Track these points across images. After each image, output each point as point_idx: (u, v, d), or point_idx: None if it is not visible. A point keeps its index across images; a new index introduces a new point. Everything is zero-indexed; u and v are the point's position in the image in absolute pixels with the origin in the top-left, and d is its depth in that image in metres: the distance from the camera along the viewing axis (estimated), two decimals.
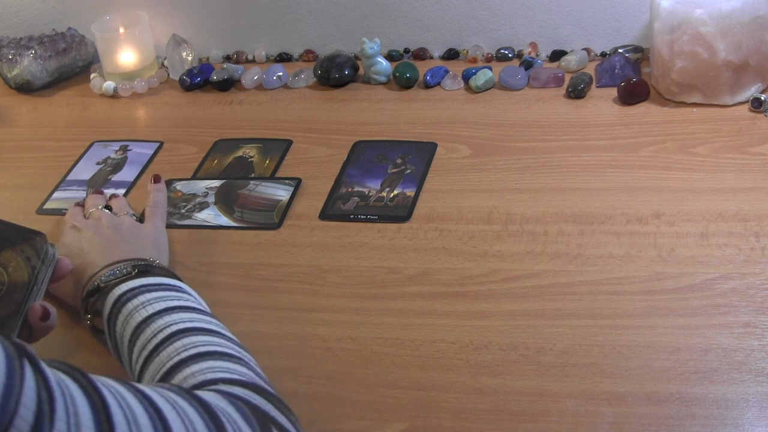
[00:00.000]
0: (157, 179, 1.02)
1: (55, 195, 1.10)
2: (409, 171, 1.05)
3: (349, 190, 1.03)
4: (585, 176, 1.01)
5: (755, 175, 0.98)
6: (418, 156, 1.08)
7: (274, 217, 1.00)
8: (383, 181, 1.04)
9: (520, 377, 0.75)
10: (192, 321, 0.72)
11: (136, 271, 0.80)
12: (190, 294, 0.78)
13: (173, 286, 0.78)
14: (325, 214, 1.00)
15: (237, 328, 0.85)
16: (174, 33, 1.35)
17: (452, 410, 0.73)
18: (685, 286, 0.83)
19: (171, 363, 0.68)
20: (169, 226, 1.01)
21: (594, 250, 0.89)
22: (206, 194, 1.06)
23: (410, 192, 1.02)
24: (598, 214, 0.94)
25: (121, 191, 1.09)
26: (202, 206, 1.04)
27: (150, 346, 0.71)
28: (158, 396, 0.56)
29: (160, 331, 0.71)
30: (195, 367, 0.66)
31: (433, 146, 1.10)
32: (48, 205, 1.08)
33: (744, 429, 0.69)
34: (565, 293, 0.84)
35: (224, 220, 1.01)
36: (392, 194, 1.02)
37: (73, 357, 0.84)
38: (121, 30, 1.33)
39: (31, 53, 1.33)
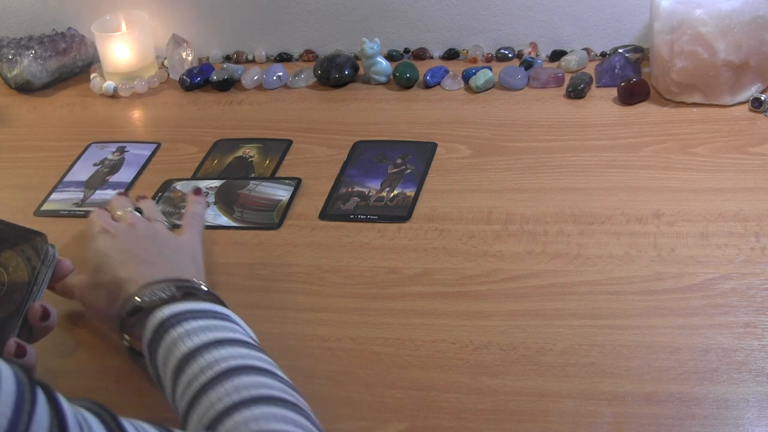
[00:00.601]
0: (197, 191, 0.97)
1: (53, 196, 1.10)
2: (409, 171, 1.05)
3: (349, 190, 1.03)
4: (585, 176, 1.01)
5: (755, 175, 0.98)
6: (418, 156, 1.08)
7: (274, 217, 1.00)
8: (383, 181, 1.04)
9: (520, 377, 0.75)
10: (243, 358, 0.67)
11: (181, 293, 0.74)
12: (237, 324, 0.72)
13: (220, 314, 0.72)
14: (325, 214, 1.00)
15: None
16: (174, 33, 1.35)
17: (452, 410, 0.73)
18: (685, 286, 0.83)
19: (221, 406, 0.62)
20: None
21: (594, 250, 0.89)
22: (206, 194, 1.06)
23: (410, 192, 1.02)
24: (598, 214, 0.94)
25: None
26: None
27: (197, 384, 0.65)
28: None
29: (209, 367, 0.66)
30: (247, 414, 0.61)
31: (433, 146, 1.10)
32: (46, 207, 1.08)
33: (744, 429, 0.69)
34: (565, 293, 0.84)
35: (224, 220, 1.01)
36: (392, 194, 1.02)
37: (72, 357, 0.84)
38: (121, 30, 1.33)
39: (31, 53, 1.33)
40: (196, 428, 0.63)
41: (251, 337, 0.72)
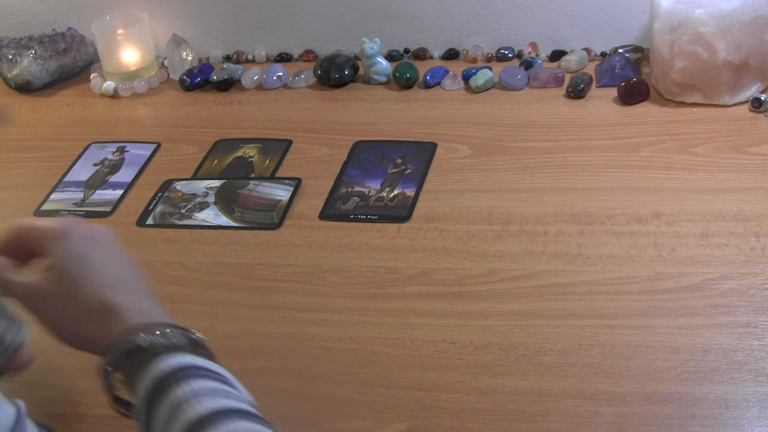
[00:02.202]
0: None
1: (53, 197, 1.10)
2: (409, 171, 1.05)
3: (349, 190, 1.03)
4: (585, 176, 1.01)
5: (755, 175, 0.98)
6: (418, 156, 1.08)
7: (274, 217, 1.00)
8: (383, 181, 1.04)
9: (520, 377, 0.75)
10: None
11: (189, 343, 0.64)
12: (237, 388, 0.63)
13: (223, 377, 0.63)
14: (325, 214, 1.00)
15: (237, 327, 0.85)
16: (174, 33, 1.35)
17: (452, 410, 0.73)
18: (685, 286, 0.83)
19: None
20: (169, 226, 1.01)
21: (594, 250, 0.89)
22: (206, 194, 1.06)
23: (410, 192, 1.02)
24: (598, 214, 0.94)
25: (120, 192, 1.09)
26: (202, 206, 1.04)
27: None
28: None
29: None
30: None
31: (433, 146, 1.10)
32: (46, 207, 1.08)
33: (744, 429, 0.69)
34: (565, 293, 0.84)
35: (224, 220, 1.01)
36: (392, 194, 1.02)
37: (72, 356, 0.84)
38: (121, 30, 1.33)
39: (31, 53, 1.33)
40: None
41: (252, 405, 0.62)
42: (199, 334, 0.65)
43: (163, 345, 0.62)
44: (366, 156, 1.09)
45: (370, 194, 1.02)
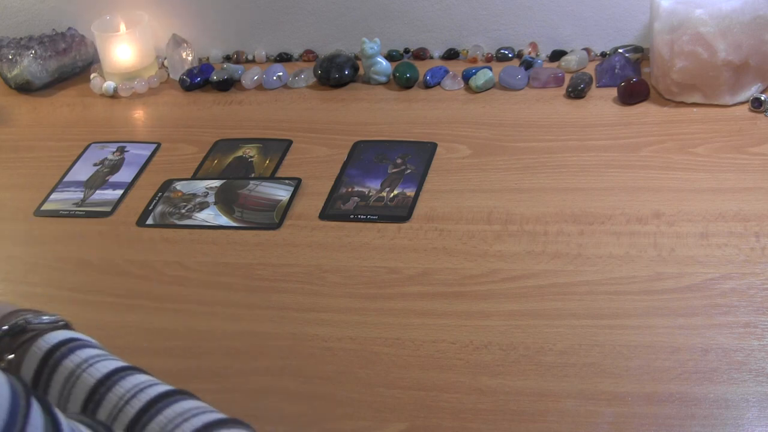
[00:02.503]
0: None
1: (53, 196, 1.10)
2: (409, 171, 1.05)
3: (349, 190, 1.03)
4: (585, 176, 1.01)
5: (755, 175, 0.98)
6: (418, 156, 1.08)
7: (274, 217, 1.00)
8: (383, 181, 1.04)
9: (520, 377, 0.75)
10: (157, 385, 0.61)
11: (62, 323, 0.66)
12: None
13: (95, 343, 0.65)
14: (325, 214, 1.00)
15: (237, 328, 0.85)
16: (174, 33, 1.35)
17: (452, 410, 0.73)
18: (685, 286, 0.83)
19: None
20: (169, 226, 1.01)
21: (594, 250, 0.89)
22: (206, 194, 1.06)
23: (410, 192, 1.02)
24: (598, 214, 0.94)
25: (120, 192, 1.09)
26: (202, 206, 1.04)
27: (126, 415, 0.59)
28: None
29: (135, 396, 0.59)
30: None
31: (433, 146, 1.10)
32: (46, 207, 1.08)
33: (744, 429, 0.69)
34: (565, 293, 0.84)
35: (224, 220, 1.01)
36: (392, 194, 1.02)
37: None
38: (121, 30, 1.33)
39: (31, 53, 1.33)
40: None
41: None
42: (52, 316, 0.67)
43: (42, 325, 0.65)
44: (366, 156, 1.09)
45: (370, 194, 1.02)
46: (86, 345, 0.64)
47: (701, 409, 0.70)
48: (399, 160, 1.08)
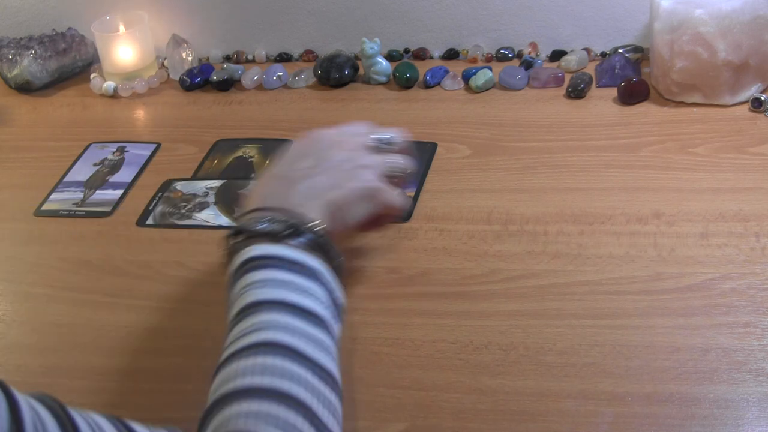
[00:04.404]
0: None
1: (53, 196, 1.10)
2: (409, 171, 1.05)
3: None
4: (585, 176, 1.01)
5: (755, 175, 0.98)
6: (418, 156, 1.08)
7: None
8: None
9: (520, 377, 0.75)
10: (291, 333, 0.63)
11: (287, 232, 0.71)
12: (324, 285, 0.69)
13: (312, 270, 0.69)
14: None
15: None
16: (174, 33, 1.35)
17: (452, 410, 0.73)
18: (685, 286, 0.83)
19: (226, 389, 0.59)
20: (169, 226, 1.01)
21: (594, 250, 0.89)
22: (206, 194, 1.06)
23: (410, 192, 1.01)
24: (598, 214, 0.94)
25: (120, 192, 1.09)
26: (202, 206, 1.04)
27: (233, 348, 0.62)
28: (144, 429, 0.54)
29: (251, 332, 0.62)
30: (240, 408, 0.57)
31: (433, 146, 1.10)
32: (45, 207, 1.08)
33: (744, 429, 0.69)
34: (565, 293, 0.84)
35: (224, 220, 1.01)
36: None
37: (71, 355, 0.84)
38: (121, 30, 1.33)
39: (31, 53, 1.33)
40: (212, 394, 0.61)
41: (327, 307, 0.68)
42: (310, 220, 0.72)
43: (256, 232, 0.71)
44: None
45: None
46: (278, 267, 0.68)
47: (701, 409, 0.70)
48: None
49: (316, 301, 0.67)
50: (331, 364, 0.64)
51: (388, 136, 0.87)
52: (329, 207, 0.76)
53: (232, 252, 0.72)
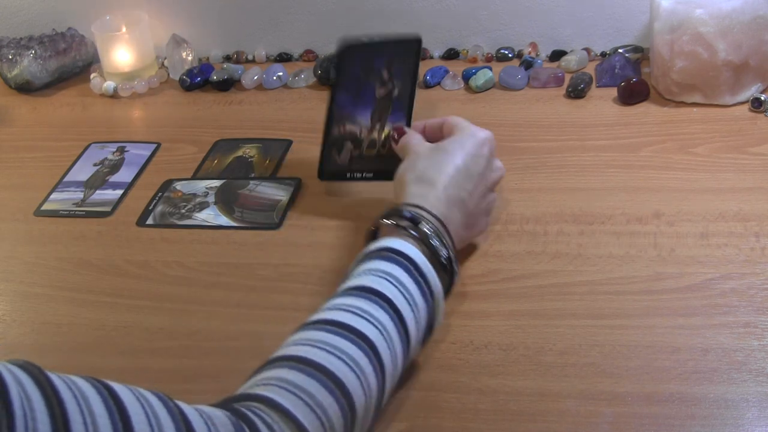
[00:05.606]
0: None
1: (53, 196, 1.10)
2: (396, 92, 1.00)
3: (341, 128, 1.00)
4: (585, 176, 1.01)
5: (755, 175, 0.98)
6: (403, 62, 1.00)
7: (274, 217, 1.00)
8: (372, 111, 1.00)
9: (520, 377, 0.75)
10: (361, 316, 0.69)
11: (438, 249, 0.77)
12: (430, 311, 0.74)
13: (432, 292, 0.74)
14: (325, 172, 1.00)
15: (237, 328, 0.85)
16: (174, 33, 1.35)
17: (452, 410, 0.73)
18: (685, 286, 0.83)
19: (275, 354, 0.67)
20: (169, 226, 1.01)
21: (594, 250, 0.89)
22: (206, 194, 1.06)
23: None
24: (598, 214, 0.94)
25: (120, 192, 1.09)
26: (202, 206, 1.04)
27: (310, 318, 0.70)
28: (125, 389, 0.56)
29: (327, 308, 0.70)
30: (275, 373, 0.64)
31: (418, 42, 1.01)
32: (45, 207, 1.08)
33: (744, 429, 0.69)
34: (565, 293, 0.84)
35: (224, 220, 1.01)
36: (383, 135, 0.99)
37: (70, 355, 0.84)
38: (121, 30, 1.33)
39: (31, 53, 1.33)
40: (278, 348, 0.68)
41: (419, 330, 0.73)
42: (427, 212, 0.79)
43: (391, 228, 0.78)
44: (353, 70, 1.02)
45: (362, 135, 0.99)
46: (384, 258, 0.75)
47: (701, 409, 0.70)
48: (385, 74, 1.01)
49: (415, 323, 0.72)
50: (391, 373, 0.69)
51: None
52: (462, 243, 0.86)
53: (398, 223, 0.78)
